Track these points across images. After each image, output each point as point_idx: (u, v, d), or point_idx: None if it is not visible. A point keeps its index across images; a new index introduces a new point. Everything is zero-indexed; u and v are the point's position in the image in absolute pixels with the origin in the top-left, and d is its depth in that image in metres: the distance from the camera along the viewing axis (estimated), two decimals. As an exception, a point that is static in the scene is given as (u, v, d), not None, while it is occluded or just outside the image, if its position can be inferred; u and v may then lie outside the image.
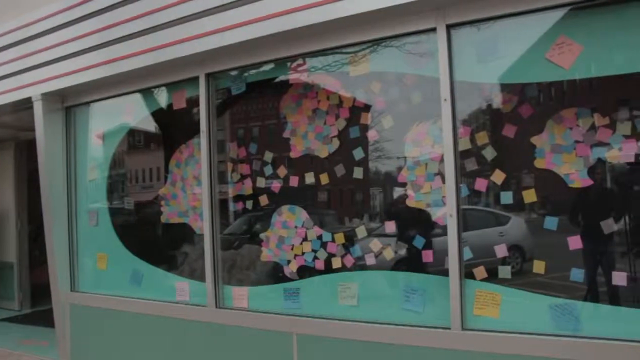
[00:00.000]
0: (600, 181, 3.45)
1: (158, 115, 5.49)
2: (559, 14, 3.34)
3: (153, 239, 5.72)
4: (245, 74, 4.66)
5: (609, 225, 3.42)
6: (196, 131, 4.79)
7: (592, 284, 3.81)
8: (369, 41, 3.94)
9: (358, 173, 4.15)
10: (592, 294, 3.83)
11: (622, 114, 3.29)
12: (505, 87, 3.65)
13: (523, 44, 3.48)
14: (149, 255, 5.39)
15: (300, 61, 4.41)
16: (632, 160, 3.25)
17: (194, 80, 4.77)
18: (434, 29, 3.62)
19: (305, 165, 4.40)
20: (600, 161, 3.37)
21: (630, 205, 3.63)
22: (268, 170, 4.60)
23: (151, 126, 5.75)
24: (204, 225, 4.69)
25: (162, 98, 5.36)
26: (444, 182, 3.62)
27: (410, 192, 3.90)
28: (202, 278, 4.74)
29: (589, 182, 3.34)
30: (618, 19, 3.19)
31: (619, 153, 3.29)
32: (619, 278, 3.36)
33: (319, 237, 4.31)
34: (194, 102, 4.87)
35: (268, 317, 4.32)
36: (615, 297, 3.69)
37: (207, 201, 4.65)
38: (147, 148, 6.03)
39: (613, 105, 3.37)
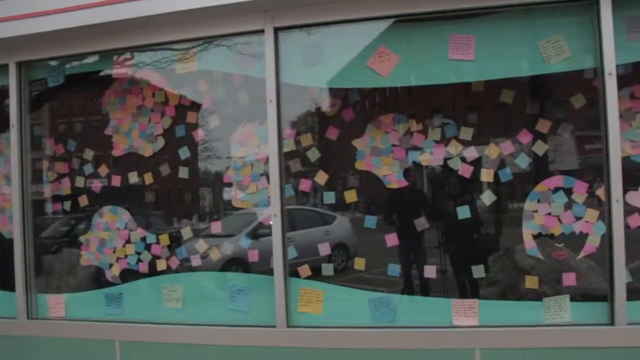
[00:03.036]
0: (414, 182, 3.72)
1: (-40, 105, 4.91)
2: (381, 25, 3.53)
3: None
4: (66, 66, 4.32)
5: (422, 224, 3.69)
6: (6, 125, 4.35)
7: (408, 278, 4.09)
8: (197, 39, 3.85)
9: (184, 173, 4.07)
10: (407, 287, 4.12)
11: (434, 121, 3.58)
12: (330, 91, 3.80)
13: (347, 51, 3.63)
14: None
15: (127, 55, 4.19)
16: (442, 163, 3.53)
17: (3, 68, 4.30)
18: (262, 31, 3.62)
19: (129, 164, 4.24)
20: (415, 164, 3.63)
21: (440, 205, 3.96)
22: (88, 169, 4.35)
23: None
24: (14, 229, 4.28)
25: (-35, 86, 4.79)
26: (269, 182, 3.65)
27: (236, 192, 3.90)
28: (12, 287, 4.31)
29: (405, 183, 3.57)
30: (434, 35, 3.44)
31: (431, 157, 3.57)
32: (430, 271, 3.65)
33: (143, 239, 4.16)
34: (4, 93, 4.42)
35: (88, 325, 4.05)
36: (426, 288, 4.01)
37: (17, 202, 4.23)
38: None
39: (426, 112, 3.65)
